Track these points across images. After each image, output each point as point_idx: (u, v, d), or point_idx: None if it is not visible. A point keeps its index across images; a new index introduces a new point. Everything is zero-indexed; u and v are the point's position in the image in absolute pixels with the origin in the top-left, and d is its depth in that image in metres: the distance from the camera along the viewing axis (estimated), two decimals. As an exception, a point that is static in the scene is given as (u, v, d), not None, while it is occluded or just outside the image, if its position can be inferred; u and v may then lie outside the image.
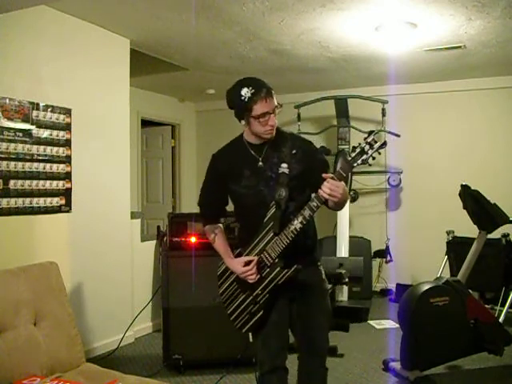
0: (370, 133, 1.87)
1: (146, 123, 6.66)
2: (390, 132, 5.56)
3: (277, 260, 2.06)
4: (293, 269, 2.04)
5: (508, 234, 4.33)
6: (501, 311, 3.92)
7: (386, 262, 5.82)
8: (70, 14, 3.63)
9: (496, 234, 4.07)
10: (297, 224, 1.99)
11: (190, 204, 7.09)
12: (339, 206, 2.07)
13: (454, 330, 3.30)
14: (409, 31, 4.00)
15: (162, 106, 6.79)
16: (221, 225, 2.34)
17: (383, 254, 5.78)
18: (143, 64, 4.88)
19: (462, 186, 3.85)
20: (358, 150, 1.89)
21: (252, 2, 3.44)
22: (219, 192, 2.25)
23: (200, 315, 3.49)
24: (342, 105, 5.69)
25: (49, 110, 3.50)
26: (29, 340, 2.17)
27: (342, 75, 5.51)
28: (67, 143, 3.65)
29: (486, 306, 4.06)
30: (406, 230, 5.93)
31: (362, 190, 6.06)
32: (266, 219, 2.07)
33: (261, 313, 2.13)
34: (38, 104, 3.42)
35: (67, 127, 3.64)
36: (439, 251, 4.82)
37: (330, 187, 1.89)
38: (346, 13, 3.63)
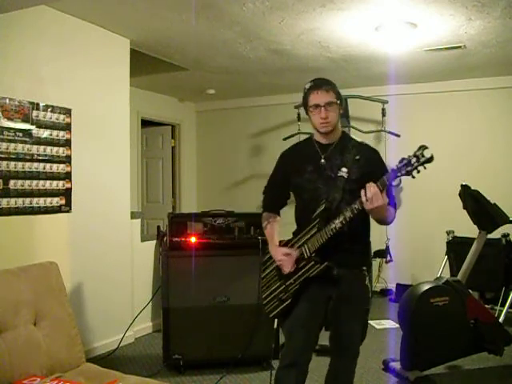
0: (421, 147, 1.94)
1: (145, 123, 6.66)
2: (390, 132, 5.56)
3: (313, 254, 2.15)
4: (323, 265, 2.11)
5: (508, 234, 4.33)
6: (501, 311, 3.91)
7: (386, 262, 5.81)
8: (70, 13, 3.63)
9: (496, 234, 4.07)
10: (337, 223, 2.07)
11: (189, 204, 7.10)
12: (378, 215, 2.10)
13: (454, 329, 3.30)
14: (409, 31, 4.00)
15: (162, 106, 6.79)
16: (278, 216, 2.45)
17: (383, 254, 5.77)
18: (143, 64, 4.88)
19: (461, 185, 3.85)
20: (404, 162, 1.95)
21: (252, 2, 3.44)
22: (282, 186, 2.39)
23: (200, 315, 3.49)
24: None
25: (49, 110, 3.50)
26: (29, 340, 2.17)
27: (342, 75, 5.51)
28: (67, 143, 3.65)
29: (486, 306, 4.06)
30: (405, 229, 5.92)
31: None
32: (314, 215, 2.16)
33: (288, 301, 2.22)
34: (37, 104, 3.42)
35: (67, 127, 3.64)
36: (439, 251, 4.82)
37: (369, 192, 1.95)
38: (345, 13, 3.63)
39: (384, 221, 2.16)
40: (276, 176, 2.44)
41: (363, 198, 1.98)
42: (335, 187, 2.16)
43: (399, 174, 1.95)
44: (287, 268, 2.21)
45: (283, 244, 2.32)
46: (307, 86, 2.24)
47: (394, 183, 2.05)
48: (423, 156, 1.92)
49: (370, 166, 2.20)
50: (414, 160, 1.93)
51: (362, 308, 2.28)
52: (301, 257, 2.19)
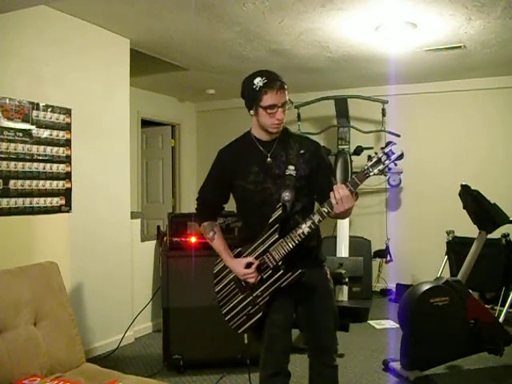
0: (388, 143, 1.87)
1: (146, 123, 6.66)
2: (390, 132, 5.56)
3: (280, 263, 2.04)
4: (297, 273, 2.02)
5: (508, 234, 4.32)
6: (501, 311, 3.91)
7: (386, 262, 5.82)
8: (70, 14, 3.63)
9: (496, 234, 4.07)
10: (305, 228, 1.98)
11: (189, 204, 7.09)
12: (345, 215, 2.03)
13: (454, 330, 3.30)
14: (409, 31, 4.00)
15: (162, 106, 6.79)
16: (217, 224, 2.30)
17: (383, 254, 5.78)
18: (143, 64, 4.88)
19: (461, 185, 3.85)
20: (374, 160, 1.87)
21: (252, 2, 3.44)
22: (221, 188, 2.23)
23: (200, 315, 3.48)
24: (342, 105, 5.69)
25: (49, 110, 3.50)
26: (29, 340, 2.17)
27: (342, 75, 5.51)
28: (67, 143, 3.65)
29: (486, 306, 4.06)
30: (405, 229, 5.92)
31: (362, 190, 6.05)
32: (271, 220, 2.04)
33: (259, 314, 2.12)
34: (37, 104, 3.42)
35: (67, 127, 3.64)
36: (439, 251, 4.82)
37: (338, 194, 1.87)
38: (345, 13, 3.63)
39: (344, 218, 2.12)
40: (214, 178, 2.25)
41: (333, 201, 1.88)
42: (285, 186, 2.04)
43: (371, 174, 1.87)
44: (254, 279, 2.07)
45: (235, 254, 2.18)
46: (259, 83, 2.01)
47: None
48: (393, 153, 1.84)
49: (316, 159, 2.12)
50: (384, 158, 1.84)
51: (330, 303, 2.23)
52: (263, 266, 2.07)
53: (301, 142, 2.15)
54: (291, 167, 2.06)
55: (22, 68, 3.34)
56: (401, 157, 1.86)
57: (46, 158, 3.48)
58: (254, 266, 2.07)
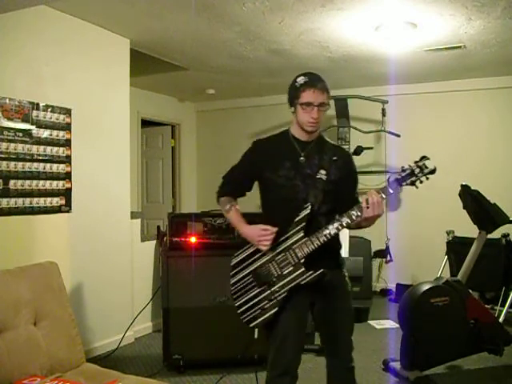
0: (423, 157, 1.93)
1: (146, 123, 6.66)
2: (390, 132, 5.56)
3: (302, 260, 2.06)
4: (319, 272, 2.04)
5: (508, 234, 4.32)
6: (501, 311, 3.91)
7: (386, 262, 5.81)
8: (70, 13, 3.62)
9: (496, 234, 4.07)
10: (332, 229, 2.02)
11: (189, 204, 7.10)
12: (370, 223, 2.12)
13: (454, 329, 3.30)
14: (409, 31, 4.00)
15: (162, 106, 6.79)
16: (236, 203, 2.30)
17: (383, 254, 5.77)
18: (143, 64, 4.88)
19: (461, 185, 3.85)
20: (408, 172, 1.95)
21: (252, 2, 3.44)
22: (248, 175, 2.27)
23: (200, 315, 3.49)
24: (342, 105, 5.69)
25: (49, 110, 3.50)
26: (29, 340, 2.17)
27: (341, 75, 5.51)
28: (67, 143, 3.65)
29: (486, 306, 4.06)
30: (405, 230, 5.92)
31: (362, 189, 6.04)
32: (298, 218, 2.08)
33: (275, 310, 2.11)
34: (37, 104, 3.42)
35: (67, 127, 3.64)
36: (439, 251, 4.82)
37: (371, 199, 1.95)
38: (345, 13, 3.63)
39: (366, 227, 2.17)
40: (244, 165, 2.29)
41: (364, 205, 1.95)
42: (314, 188, 2.10)
43: (404, 184, 1.95)
44: (268, 243, 2.07)
45: (252, 252, 2.17)
46: (301, 81, 2.11)
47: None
48: (426, 167, 1.91)
49: (347, 169, 2.19)
50: (417, 170, 1.92)
51: (349, 305, 2.26)
52: (285, 262, 2.08)
53: (335, 149, 2.22)
54: (323, 171, 2.11)
55: (22, 68, 3.34)
56: (433, 171, 1.94)
57: (46, 158, 3.48)
58: (269, 231, 2.07)
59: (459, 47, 4.43)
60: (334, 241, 2.14)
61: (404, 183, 1.94)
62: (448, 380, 3.38)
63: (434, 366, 3.35)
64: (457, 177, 4.56)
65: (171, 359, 3.51)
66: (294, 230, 2.08)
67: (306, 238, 2.05)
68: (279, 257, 2.10)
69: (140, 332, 4.36)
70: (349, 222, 2.01)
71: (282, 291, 2.09)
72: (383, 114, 5.67)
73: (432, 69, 5.25)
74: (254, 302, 2.15)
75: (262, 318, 2.14)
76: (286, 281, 2.08)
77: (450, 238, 4.63)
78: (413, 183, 1.95)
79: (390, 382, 3.38)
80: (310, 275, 2.05)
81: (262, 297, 2.14)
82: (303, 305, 2.17)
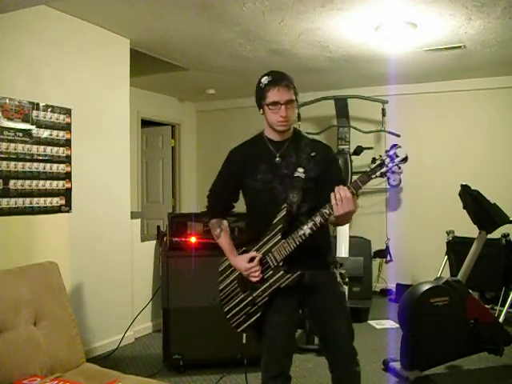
0: (393, 146, 1.84)
1: (146, 123, 6.66)
2: (390, 132, 5.56)
3: (281, 263, 2.04)
4: (296, 275, 2.01)
5: (508, 234, 4.32)
6: (501, 311, 3.91)
7: (386, 262, 5.81)
8: (70, 13, 3.62)
9: (496, 234, 4.07)
10: (306, 229, 1.97)
11: (189, 204, 7.10)
12: (345, 221, 2.02)
13: (454, 329, 3.30)
14: (409, 31, 4.00)
15: (162, 106, 6.79)
16: (226, 222, 2.31)
17: (383, 254, 5.77)
18: (143, 64, 4.88)
19: (461, 185, 3.85)
20: (377, 162, 1.86)
21: (252, 2, 3.44)
22: (231, 187, 2.25)
23: (200, 315, 3.48)
24: (342, 105, 5.69)
25: (49, 110, 3.50)
26: (29, 340, 2.17)
27: (342, 75, 5.51)
28: (67, 143, 3.65)
29: (486, 306, 4.06)
30: (405, 230, 5.92)
31: (362, 189, 6.04)
32: (275, 220, 2.05)
33: (258, 315, 2.11)
34: (37, 104, 3.42)
35: (67, 127, 3.64)
36: (439, 251, 4.82)
37: (338, 194, 1.86)
38: (345, 13, 3.63)
39: (346, 223, 2.10)
40: (225, 177, 2.27)
41: (333, 202, 1.87)
42: (292, 187, 2.04)
43: (373, 176, 1.85)
44: (257, 275, 2.07)
45: (240, 253, 2.17)
46: (265, 81, 2.07)
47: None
48: (397, 156, 1.81)
49: (327, 163, 2.12)
50: (387, 160, 1.82)
51: (341, 306, 2.18)
52: (265, 266, 2.07)
53: (312, 144, 2.15)
54: (300, 169, 2.06)
55: (22, 68, 3.34)
56: (405, 160, 1.83)
57: (46, 157, 3.48)
58: (256, 260, 2.07)
59: (459, 47, 4.43)
60: (320, 240, 2.10)
61: (374, 175, 1.85)
62: (448, 380, 3.39)
63: (434, 366, 3.35)
64: (457, 177, 4.56)
65: (171, 359, 3.51)
66: (272, 233, 2.06)
67: (283, 241, 2.02)
68: (263, 259, 2.08)
69: (140, 332, 4.36)
70: (321, 220, 1.94)
71: (264, 295, 2.09)
72: (383, 114, 5.67)
73: (432, 69, 5.25)
74: (240, 307, 2.17)
75: (246, 324, 2.16)
76: (267, 285, 2.08)
77: (450, 238, 4.63)
78: (383, 174, 1.86)
79: (390, 382, 3.38)
80: (288, 278, 2.02)
81: (245, 302, 2.15)
82: (291, 307, 2.14)
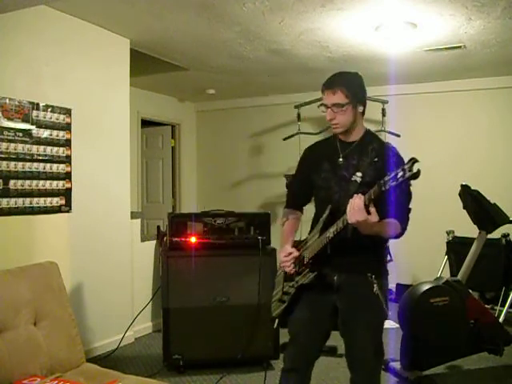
0: (410, 160, 1.69)
1: (146, 123, 6.66)
2: (390, 132, 5.56)
3: (310, 261, 2.08)
4: (313, 274, 2.05)
5: (508, 234, 4.32)
6: (501, 311, 3.91)
7: (386, 262, 5.80)
8: (70, 13, 3.62)
9: (496, 234, 4.07)
10: (331, 232, 1.97)
11: (189, 204, 7.10)
12: (366, 230, 1.90)
13: (454, 329, 3.30)
14: (409, 31, 3.99)
15: (162, 106, 6.79)
16: (299, 213, 2.36)
17: (383, 254, 5.76)
18: (143, 64, 4.88)
19: (461, 185, 3.85)
20: (392, 175, 1.73)
21: (252, 2, 3.44)
22: (302, 183, 2.30)
23: (200, 315, 3.49)
24: (342, 105, 5.68)
25: (49, 110, 3.50)
26: (29, 340, 2.17)
27: (341, 75, 5.51)
28: (67, 143, 3.65)
29: (486, 306, 4.06)
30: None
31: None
32: (321, 219, 2.09)
33: (285, 304, 2.20)
34: (37, 104, 3.42)
35: (67, 127, 3.64)
36: (439, 251, 4.81)
37: (352, 204, 1.81)
38: (345, 13, 3.63)
39: (381, 236, 2.01)
40: (297, 172, 2.36)
41: (348, 208, 1.82)
42: (347, 190, 2.02)
43: (383, 189, 1.73)
44: (289, 269, 2.15)
45: (295, 245, 2.21)
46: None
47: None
48: (410, 170, 1.67)
49: (387, 170, 1.97)
50: (400, 174, 1.69)
51: (371, 319, 2.08)
52: (302, 261, 2.13)
53: (379, 150, 2.08)
54: (359, 173, 2.03)
55: (22, 68, 3.34)
56: (416, 176, 1.68)
57: (46, 158, 3.48)
58: (291, 256, 2.13)
59: (459, 47, 4.43)
60: (360, 245, 2.01)
61: (383, 188, 1.73)
62: (448, 380, 3.39)
63: (433, 366, 3.35)
64: (457, 177, 4.56)
65: (171, 359, 3.50)
66: (314, 232, 2.11)
67: (318, 240, 2.05)
68: (300, 256, 2.15)
69: (140, 332, 4.36)
70: (341, 226, 1.91)
71: (293, 288, 2.16)
72: (383, 114, 5.66)
73: (432, 69, 5.25)
74: (279, 294, 2.28)
75: (278, 310, 2.26)
76: (296, 279, 2.15)
77: (450, 238, 4.63)
78: (393, 188, 1.74)
79: (390, 382, 3.38)
80: (308, 276, 2.06)
81: (283, 290, 2.24)
82: (319, 305, 2.13)
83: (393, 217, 1.94)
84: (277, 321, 2.35)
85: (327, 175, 2.13)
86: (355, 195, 1.84)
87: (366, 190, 1.86)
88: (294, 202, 2.37)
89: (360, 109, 2.10)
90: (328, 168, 2.14)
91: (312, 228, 2.19)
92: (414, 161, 1.66)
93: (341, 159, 2.12)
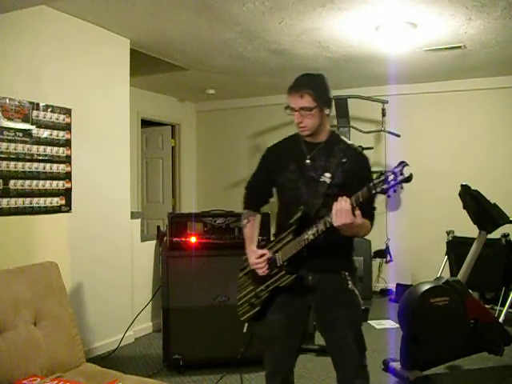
0: (400, 164, 1.70)
1: (145, 123, 6.66)
2: (390, 132, 5.56)
3: (285, 263, 2.06)
4: (292, 277, 2.03)
5: (508, 234, 4.32)
6: (501, 311, 3.91)
7: (386, 262, 5.81)
8: (69, 14, 3.63)
9: (496, 234, 4.07)
10: (309, 235, 1.96)
11: (189, 204, 7.10)
12: (347, 231, 1.93)
13: (454, 329, 3.30)
14: (409, 31, 4.00)
15: (162, 106, 6.79)
16: (258, 214, 2.33)
17: (383, 254, 5.77)
18: (143, 64, 4.88)
19: (461, 185, 3.85)
20: (382, 178, 1.75)
21: (252, 2, 3.44)
22: (264, 182, 2.27)
23: (200, 315, 3.49)
24: (342, 105, 5.69)
25: (49, 110, 3.50)
26: (29, 340, 2.17)
27: (342, 75, 5.51)
28: (67, 143, 3.65)
29: (486, 306, 4.06)
30: (406, 230, 5.92)
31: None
32: (291, 221, 2.06)
33: (258, 308, 2.16)
34: (37, 104, 3.42)
35: (67, 127, 3.64)
36: (439, 251, 4.82)
37: (338, 206, 1.81)
38: (345, 13, 3.63)
39: (355, 236, 2.06)
40: (259, 171, 2.30)
41: (333, 211, 1.82)
42: (315, 191, 2.03)
43: (374, 192, 1.75)
44: (263, 270, 2.10)
45: (261, 247, 2.20)
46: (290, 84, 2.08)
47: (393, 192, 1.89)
48: (401, 174, 1.68)
49: (355, 172, 2.03)
50: (391, 177, 1.69)
51: (347, 313, 2.08)
52: (274, 263, 2.09)
53: (346, 151, 2.08)
54: (327, 174, 2.03)
55: (22, 68, 3.34)
56: (408, 179, 1.69)
57: (46, 158, 3.48)
58: (264, 258, 2.10)
59: (459, 47, 4.43)
60: (334, 245, 2.05)
61: (374, 191, 1.74)
62: (448, 380, 3.39)
63: (433, 366, 3.35)
64: (457, 177, 4.56)
65: (171, 359, 3.51)
66: (286, 233, 2.07)
67: (292, 242, 2.03)
68: (272, 257, 2.11)
69: (140, 332, 4.36)
70: (323, 228, 1.90)
71: (266, 291, 2.13)
72: (383, 114, 5.67)
73: (432, 69, 5.25)
74: (247, 297, 2.23)
75: (249, 314, 2.21)
76: (270, 281, 2.11)
77: (450, 238, 4.63)
78: (384, 191, 1.75)
79: (390, 382, 3.38)
80: (286, 279, 2.04)
81: (252, 294, 2.20)
82: (294, 308, 2.13)
83: (366, 217, 1.94)
84: (246, 325, 2.32)
85: (293, 176, 2.11)
86: (340, 198, 1.83)
87: (338, 191, 1.91)
88: (255, 202, 2.33)
89: (327, 111, 2.09)
90: (294, 169, 2.11)
91: (280, 229, 2.16)
92: (404, 164, 1.67)
93: (308, 160, 2.10)
